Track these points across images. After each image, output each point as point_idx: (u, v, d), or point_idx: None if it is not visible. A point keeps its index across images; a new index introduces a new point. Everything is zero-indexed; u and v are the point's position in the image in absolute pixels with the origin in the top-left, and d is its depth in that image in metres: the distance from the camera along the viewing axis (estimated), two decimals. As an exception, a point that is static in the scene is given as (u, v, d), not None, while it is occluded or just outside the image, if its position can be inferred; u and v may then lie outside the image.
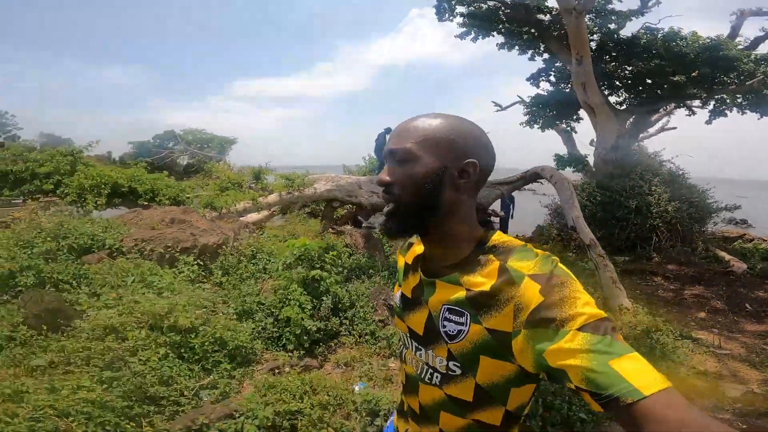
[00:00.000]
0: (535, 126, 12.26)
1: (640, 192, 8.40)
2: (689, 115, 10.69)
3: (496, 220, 9.92)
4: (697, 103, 10.26)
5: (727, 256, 8.02)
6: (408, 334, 0.86)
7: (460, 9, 10.74)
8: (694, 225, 8.54)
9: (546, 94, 11.87)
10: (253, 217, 8.16)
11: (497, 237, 0.77)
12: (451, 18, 10.81)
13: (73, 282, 3.58)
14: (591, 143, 12.52)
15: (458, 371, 0.74)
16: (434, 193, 0.74)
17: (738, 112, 10.00)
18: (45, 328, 2.96)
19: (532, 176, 6.93)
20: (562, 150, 12.16)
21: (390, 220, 0.78)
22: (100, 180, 7.93)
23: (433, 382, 0.79)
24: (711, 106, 10.35)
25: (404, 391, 0.91)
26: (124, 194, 8.14)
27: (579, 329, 0.57)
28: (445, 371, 0.76)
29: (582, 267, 6.48)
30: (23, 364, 2.64)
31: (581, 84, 9.23)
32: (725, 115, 10.25)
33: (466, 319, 0.72)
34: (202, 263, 4.38)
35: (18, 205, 8.13)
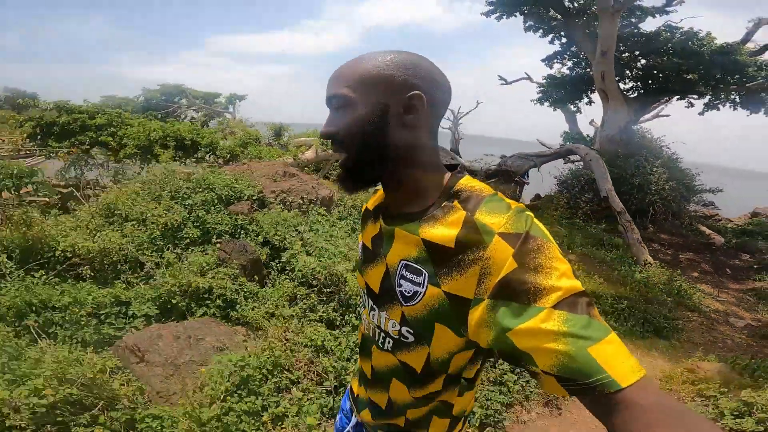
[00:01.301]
0: (546, 104, 13.31)
1: (644, 171, 9.73)
2: (688, 107, 12.01)
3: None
4: (695, 96, 11.58)
5: (707, 231, 9.62)
6: (365, 291, 0.79)
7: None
8: (683, 203, 10.03)
9: (558, 76, 12.84)
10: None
11: (465, 181, 0.68)
12: None
13: (251, 230, 3.99)
14: (591, 123, 13.82)
15: (410, 338, 0.69)
16: (380, 135, 0.66)
17: (731, 107, 11.42)
18: (256, 278, 3.16)
19: (566, 152, 8.03)
20: (561, 125, 13.38)
21: (343, 173, 0.71)
22: (165, 132, 8.30)
23: (385, 347, 0.74)
24: (706, 99, 11.74)
25: (360, 353, 0.86)
26: (186, 147, 8.54)
27: (554, 306, 0.51)
28: (397, 336, 0.71)
29: (588, 231, 7.74)
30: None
31: (601, 73, 10.29)
32: (718, 109, 11.66)
33: (424, 279, 0.64)
34: (326, 213, 5.22)
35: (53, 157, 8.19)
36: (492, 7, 11.59)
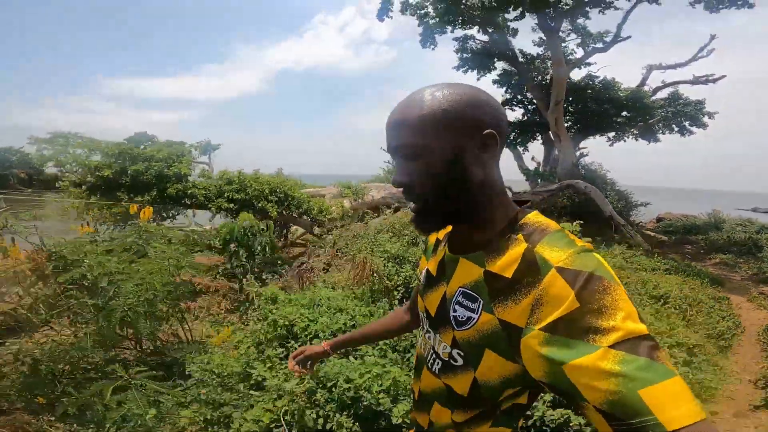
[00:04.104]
0: (512, 144, 15.73)
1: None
2: (609, 142, 15.41)
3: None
4: (611, 132, 14.98)
5: (654, 234, 12.55)
6: (424, 314, 0.81)
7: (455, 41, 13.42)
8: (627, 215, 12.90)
9: (514, 121, 15.41)
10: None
11: (532, 216, 0.68)
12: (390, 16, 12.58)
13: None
14: (533, 159, 16.60)
15: (460, 361, 0.69)
16: (460, 179, 0.66)
17: (633, 139, 15.00)
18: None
19: (567, 188, 9.94)
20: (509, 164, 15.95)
21: (420, 218, 0.72)
22: (270, 186, 7.52)
23: (433, 369, 0.76)
24: (613, 134, 15.23)
25: (414, 374, 0.87)
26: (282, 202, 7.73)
27: (612, 346, 0.51)
28: (447, 359, 0.72)
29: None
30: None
31: (554, 118, 12.82)
32: (624, 141, 15.22)
33: (479, 305, 0.65)
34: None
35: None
36: (460, 62, 13.62)
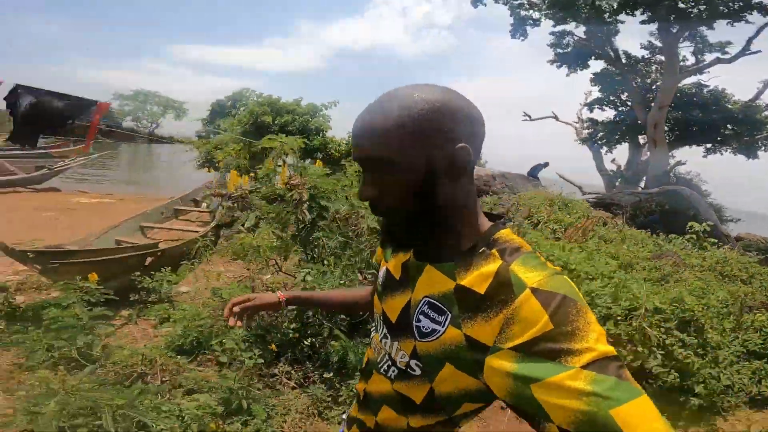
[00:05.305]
0: (595, 143, 15.70)
1: (695, 206, 12.20)
2: (705, 155, 14.95)
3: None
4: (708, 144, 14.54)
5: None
6: (381, 317, 0.77)
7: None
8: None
9: (607, 121, 15.33)
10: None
11: (505, 233, 0.66)
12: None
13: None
14: (613, 161, 16.36)
15: (417, 372, 0.67)
16: (426, 195, 0.63)
17: (732, 153, 14.50)
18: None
19: (670, 192, 10.03)
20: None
21: (390, 233, 0.69)
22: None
23: (389, 375, 0.73)
24: (710, 145, 14.76)
25: (361, 373, 0.86)
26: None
27: (583, 366, 0.50)
28: (404, 368, 0.69)
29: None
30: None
31: (654, 122, 12.71)
32: (721, 154, 14.74)
33: (446, 319, 0.63)
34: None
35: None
36: (559, 62, 13.71)
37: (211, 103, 17.36)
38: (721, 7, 9.12)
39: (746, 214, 12.56)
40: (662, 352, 2.47)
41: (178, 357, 2.18)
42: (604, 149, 15.99)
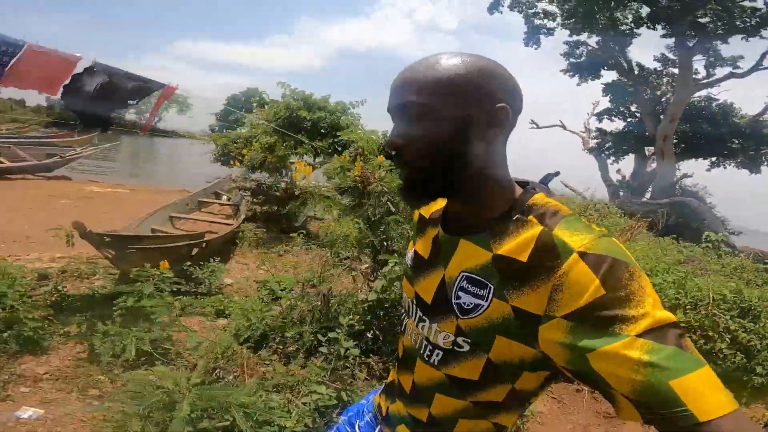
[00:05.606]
0: (602, 153, 15.83)
1: (701, 217, 12.36)
2: (709, 167, 15.13)
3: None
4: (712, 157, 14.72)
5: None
6: (414, 301, 0.74)
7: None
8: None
9: (615, 131, 15.48)
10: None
11: (540, 197, 0.63)
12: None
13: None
14: (618, 172, 16.52)
15: (465, 347, 0.63)
16: (459, 151, 0.61)
17: (735, 167, 14.70)
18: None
19: (678, 204, 10.16)
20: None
21: (408, 188, 0.66)
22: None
23: (431, 361, 0.68)
24: (714, 158, 14.94)
25: (398, 367, 0.80)
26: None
27: (640, 335, 0.48)
28: (450, 347, 0.65)
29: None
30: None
31: (664, 135, 12.84)
32: (725, 167, 14.93)
33: (489, 292, 0.60)
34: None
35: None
36: (571, 71, 13.83)
37: (227, 97, 17.48)
38: (738, 23, 9.28)
39: (746, 230, 12.76)
40: (729, 336, 2.76)
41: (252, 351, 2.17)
42: (611, 159, 16.14)
